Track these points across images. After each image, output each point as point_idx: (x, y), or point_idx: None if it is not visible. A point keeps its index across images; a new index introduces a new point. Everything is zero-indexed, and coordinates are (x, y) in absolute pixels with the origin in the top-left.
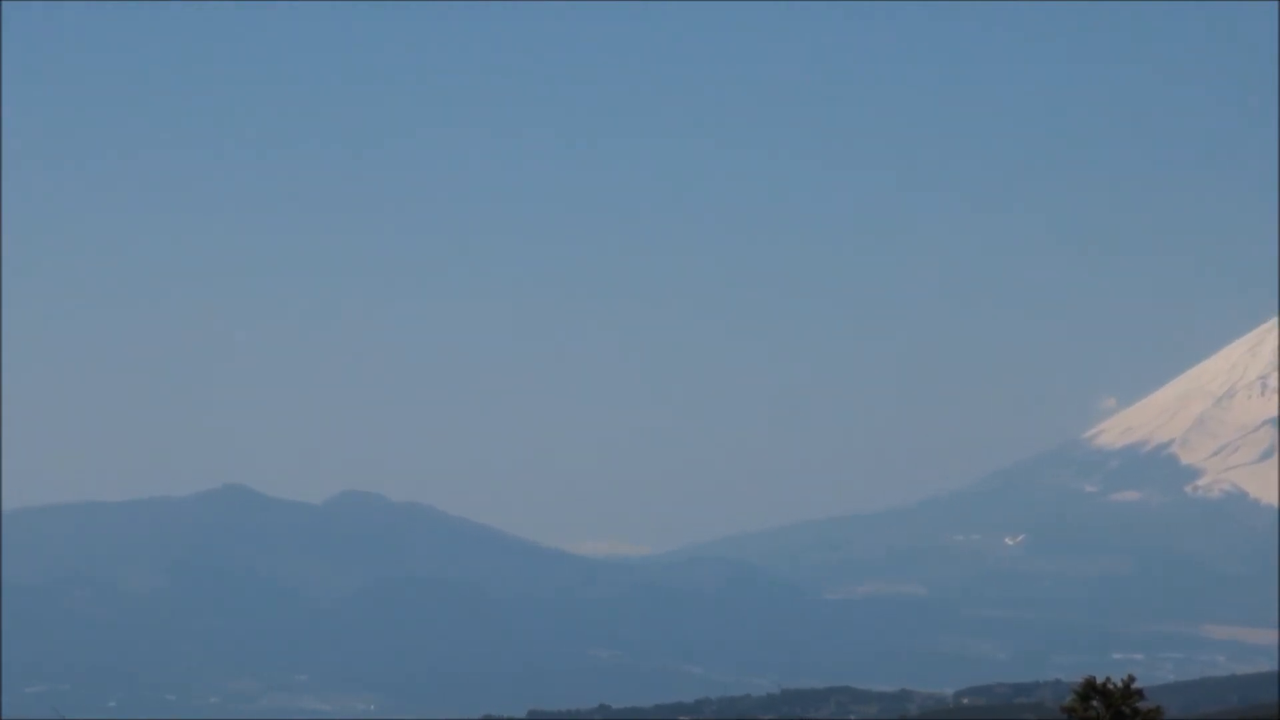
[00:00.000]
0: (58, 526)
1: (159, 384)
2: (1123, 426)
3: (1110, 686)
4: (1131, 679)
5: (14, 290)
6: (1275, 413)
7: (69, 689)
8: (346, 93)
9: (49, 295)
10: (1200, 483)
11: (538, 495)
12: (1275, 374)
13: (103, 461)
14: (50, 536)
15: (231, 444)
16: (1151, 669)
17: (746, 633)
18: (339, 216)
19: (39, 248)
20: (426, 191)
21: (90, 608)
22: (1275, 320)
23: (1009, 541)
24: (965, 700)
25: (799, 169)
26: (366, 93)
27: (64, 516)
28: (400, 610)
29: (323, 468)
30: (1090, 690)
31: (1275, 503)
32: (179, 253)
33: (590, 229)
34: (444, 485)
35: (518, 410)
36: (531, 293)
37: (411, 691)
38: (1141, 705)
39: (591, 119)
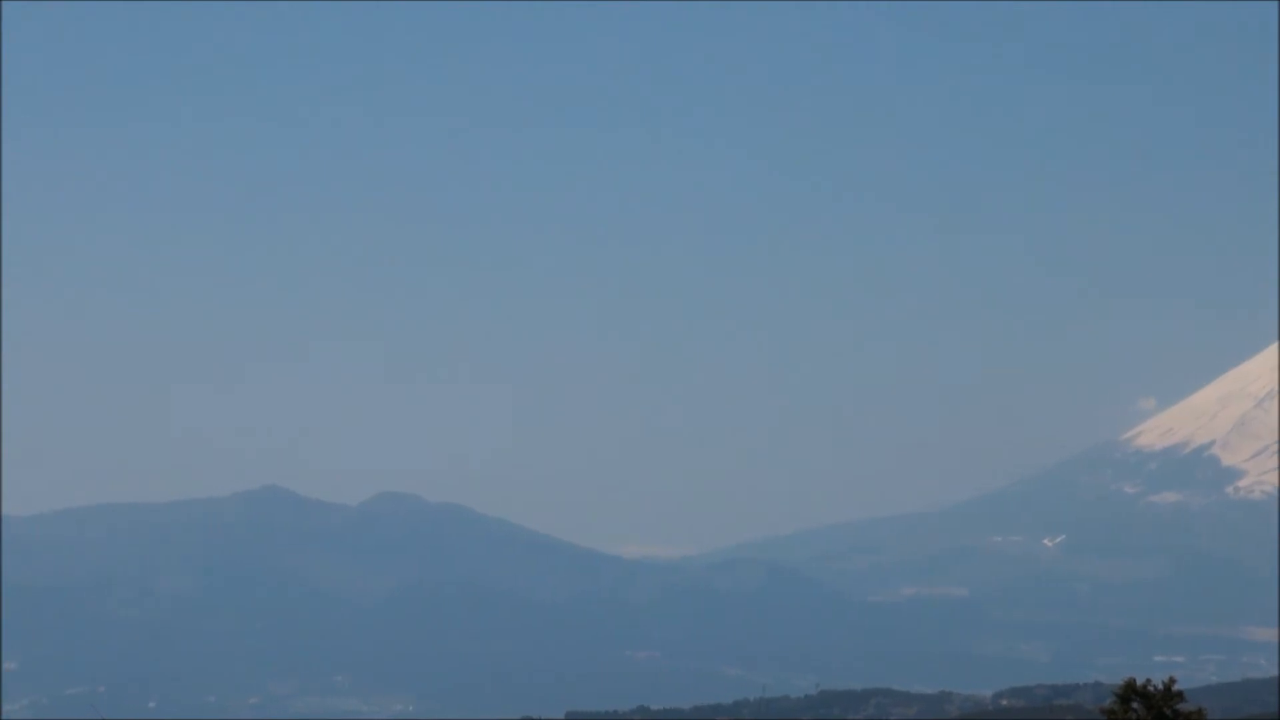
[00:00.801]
0: (97, 528)
1: (197, 385)
2: (1163, 428)
3: (1151, 689)
4: (1173, 681)
5: (46, 292)
6: None
7: (108, 690)
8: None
9: (83, 298)
10: (1241, 484)
11: (575, 497)
12: None
13: (142, 463)
14: (90, 538)
15: (270, 445)
16: (1193, 671)
17: (785, 634)
18: (370, 215)
19: (69, 249)
20: (465, 188)
21: (129, 609)
22: None
23: (1048, 543)
24: (1005, 702)
25: (842, 168)
26: (383, 92)
27: (103, 518)
28: (438, 611)
29: (360, 469)
30: (1131, 692)
31: None
32: (217, 254)
33: (631, 232)
34: (481, 487)
35: (555, 412)
36: (570, 294)
37: (449, 693)
38: (1183, 707)
39: (648, 122)
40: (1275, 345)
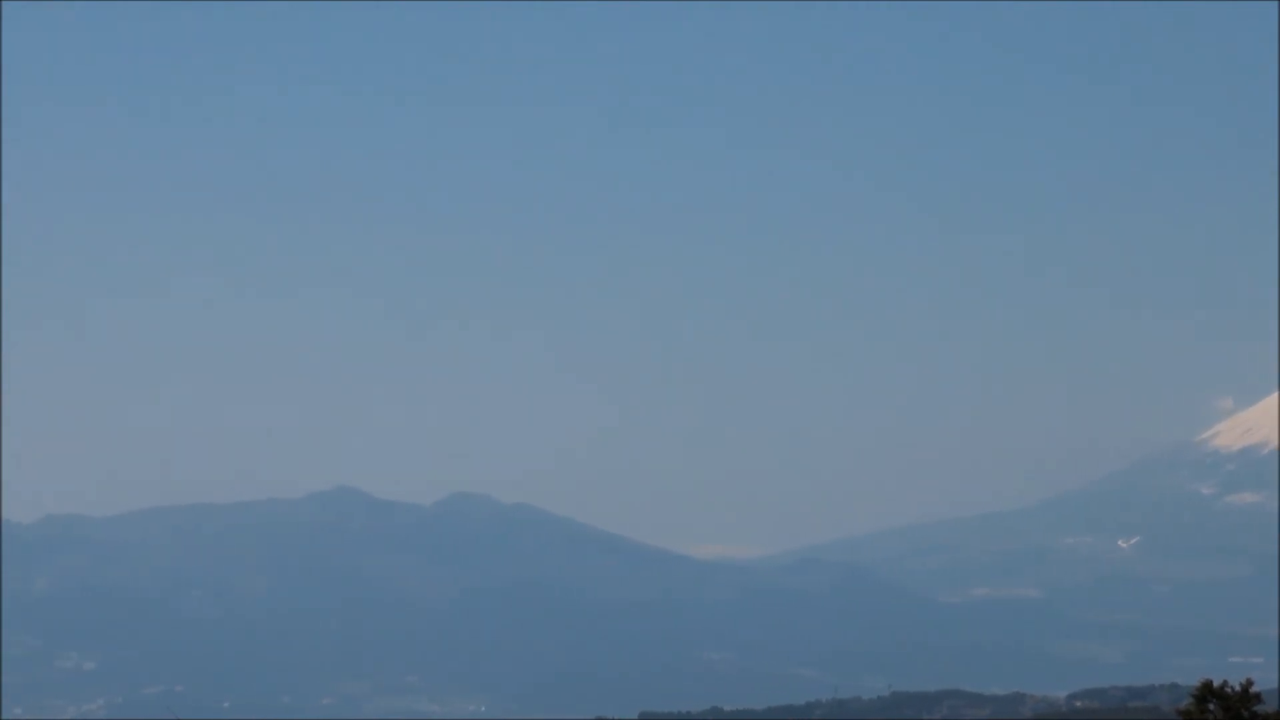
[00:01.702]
0: (172, 529)
1: (272, 387)
2: (1240, 428)
3: (1228, 690)
4: (1250, 682)
5: (120, 296)
6: None
7: (184, 690)
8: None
9: (159, 301)
10: None
11: (649, 498)
12: None
13: (217, 464)
14: (165, 539)
15: (343, 446)
16: (1270, 672)
17: (858, 635)
18: (439, 219)
19: (140, 250)
20: (531, 190)
21: (204, 609)
22: None
23: (1123, 544)
24: (1079, 703)
25: (919, 169)
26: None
27: (178, 519)
28: (510, 612)
29: (433, 470)
30: (1207, 693)
31: None
32: (289, 255)
33: (700, 232)
34: (553, 488)
35: (628, 413)
36: (641, 295)
37: (522, 693)
38: (1260, 709)
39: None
40: None
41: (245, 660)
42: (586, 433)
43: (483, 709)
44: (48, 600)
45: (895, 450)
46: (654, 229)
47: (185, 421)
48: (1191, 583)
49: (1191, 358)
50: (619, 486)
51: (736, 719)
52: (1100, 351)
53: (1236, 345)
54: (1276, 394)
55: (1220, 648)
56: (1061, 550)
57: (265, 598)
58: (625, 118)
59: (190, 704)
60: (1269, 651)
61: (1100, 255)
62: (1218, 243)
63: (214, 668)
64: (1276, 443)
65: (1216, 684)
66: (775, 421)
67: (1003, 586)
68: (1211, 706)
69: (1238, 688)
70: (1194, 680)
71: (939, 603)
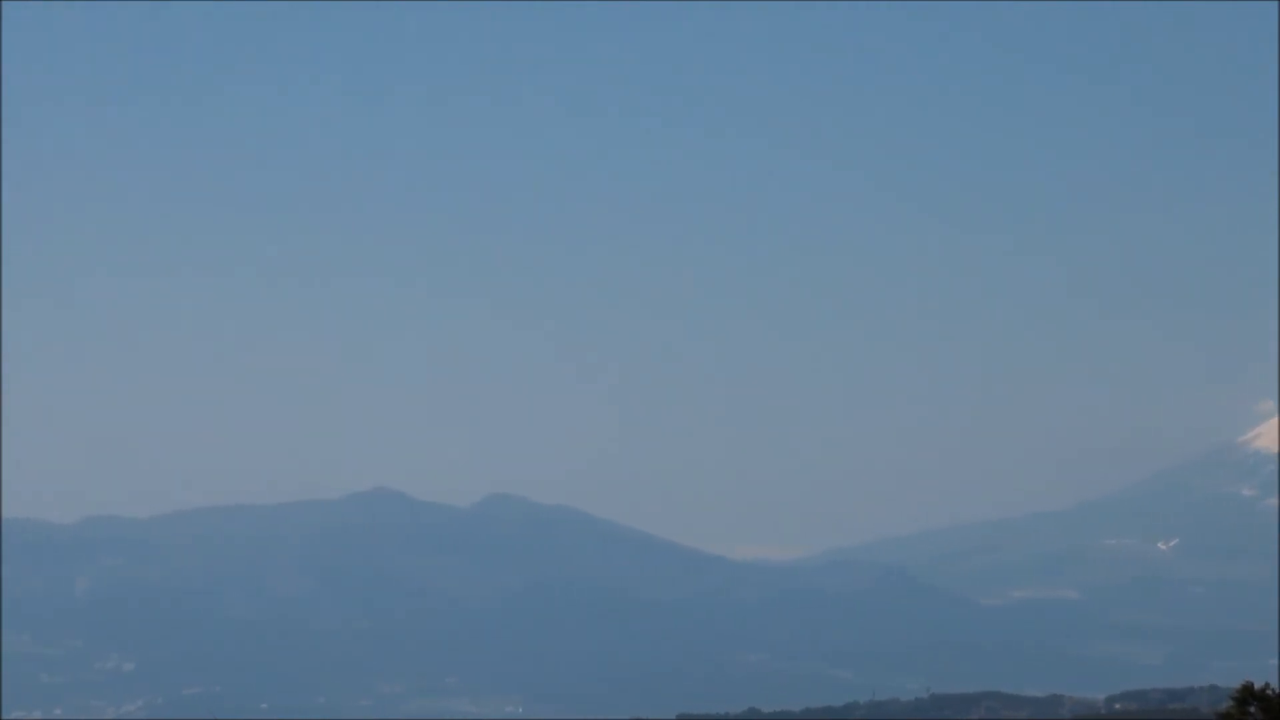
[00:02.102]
0: (211, 530)
1: (310, 387)
2: None
3: (1269, 693)
4: None
5: (156, 298)
6: None
7: (222, 690)
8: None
9: (198, 303)
10: None
11: (686, 499)
12: None
13: (255, 465)
14: (204, 540)
15: (381, 447)
16: None
17: (895, 636)
18: (479, 219)
19: (181, 251)
20: (568, 191)
21: (243, 610)
22: None
23: (1163, 546)
24: (1118, 705)
25: (962, 173)
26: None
27: (217, 520)
28: (549, 613)
29: (471, 471)
30: (1248, 696)
31: None
32: (326, 256)
33: (735, 234)
34: (592, 488)
35: (665, 414)
36: (678, 296)
37: (560, 694)
38: None
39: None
40: None
41: (283, 661)
42: (624, 433)
43: (520, 709)
44: (88, 601)
45: (935, 452)
46: (695, 231)
47: (224, 423)
48: (1231, 584)
49: (1233, 360)
50: (657, 487)
51: None
52: (1142, 353)
53: (1277, 347)
54: None
55: (1260, 650)
56: (1101, 552)
57: (303, 598)
58: (670, 118)
59: (229, 704)
60: None
61: (1143, 256)
62: (1262, 245)
63: (252, 668)
64: None
65: (1257, 686)
66: (813, 422)
67: (1041, 588)
68: (1252, 709)
69: (1278, 690)
70: (1234, 683)
71: (977, 604)
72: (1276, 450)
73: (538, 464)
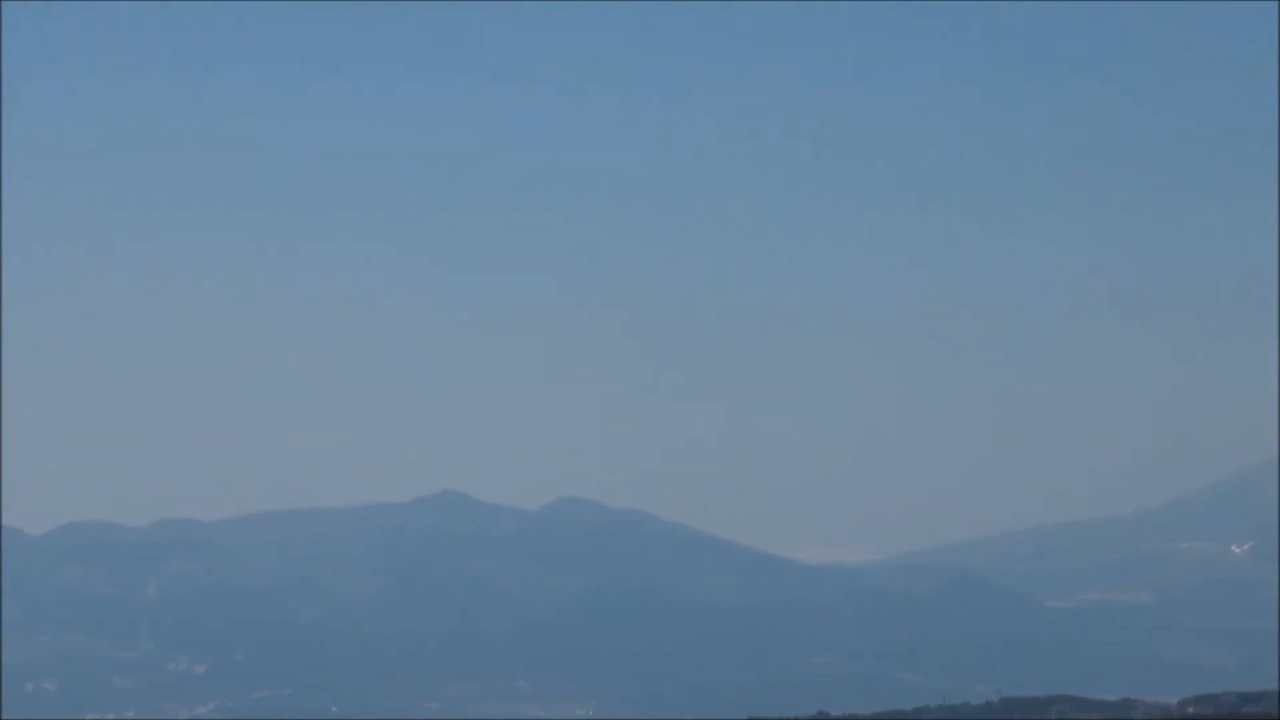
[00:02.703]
0: (281, 533)
1: (380, 390)
2: None
3: None
4: None
5: (235, 303)
6: None
7: (292, 693)
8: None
9: (276, 307)
10: None
11: (756, 502)
12: None
13: (325, 468)
14: (274, 543)
15: (450, 450)
16: None
17: (967, 640)
18: (543, 217)
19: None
20: (635, 191)
21: (312, 613)
22: None
23: (1236, 549)
24: (1190, 709)
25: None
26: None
27: (287, 523)
28: (617, 616)
29: (540, 474)
30: None
31: None
32: (400, 262)
33: (802, 244)
34: (661, 492)
35: (735, 416)
36: (744, 296)
37: (629, 698)
38: None
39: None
40: None
41: (353, 664)
42: (694, 436)
43: (589, 712)
44: (159, 604)
45: (1007, 454)
46: (763, 233)
47: (295, 426)
48: None
49: None
50: (727, 490)
51: None
52: (1218, 354)
53: None
54: None
55: None
56: (1174, 555)
57: (372, 602)
58: (753, 122)
59: (298, 708)
60: None
61: (1216, 255)
62: None
63: (322, 672)
64: None
65: None
66: (885, 425)
67: (1114, 591)
68: None
69: None
70: None
71: (1048, 607)
72: None
73: (607, 467)
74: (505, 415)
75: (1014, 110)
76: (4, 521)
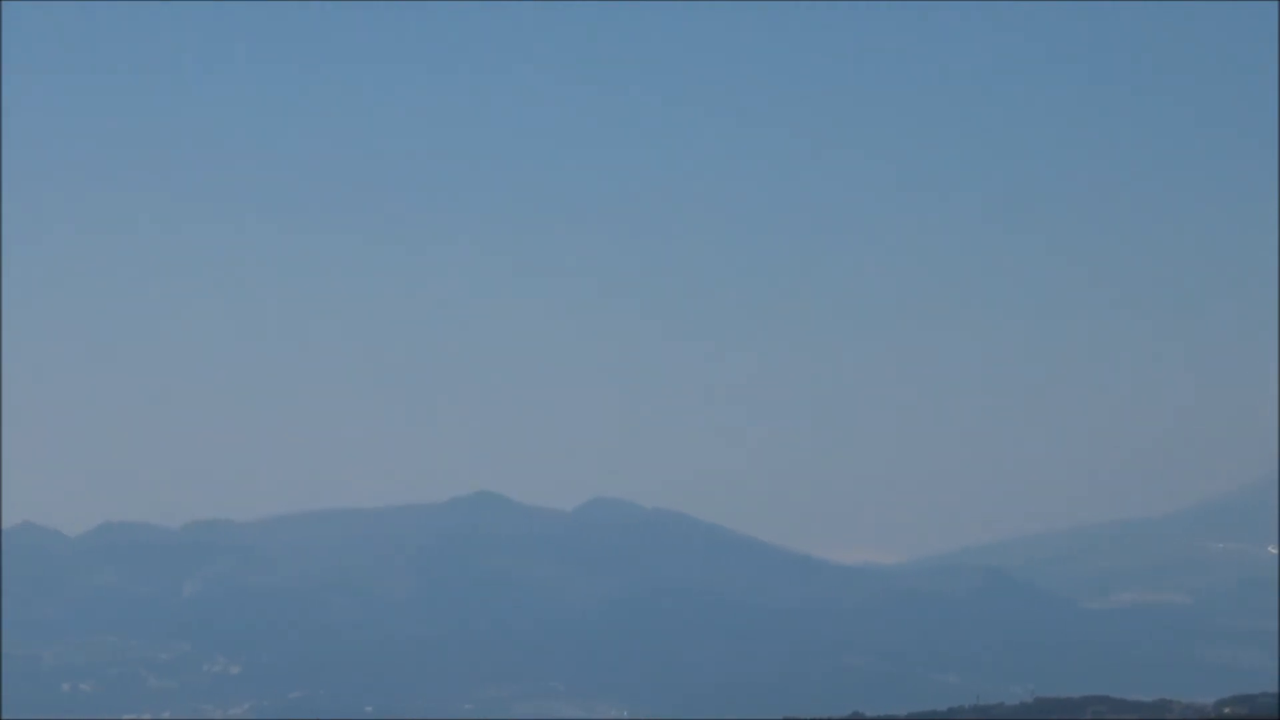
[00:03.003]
0: (315, 534)
1: (414, 390)
2: None
3: None
4: None
5: (270, 302)
6: None
7: (327, 694)
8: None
9: (313, 308)
10: None
11: (791, 502)
12: None
13: (359, 469)
14: (308, 544)
15: (484, 450)
16: None
17: (1002, 640)
18: (583, 222)
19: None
20: (666, 193)
21: (347, 614)
22: None
23: (1272, 550)
24: (1227, 710)
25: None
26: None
27: (321, 523)
28: (653, 618)
29: (574, 474)
30: None
31: None
32: (432, 261)
33: (839, 247)
34: (696, 492)
35: (770, 416)
36: (784, 304)
37: (665, 700)
38: None
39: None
40: None
41: (387, 665)
42: (729, 436)
43: (625, 713)
44: (194, 605)
45: (1042, 454)
46: (801, 235)
47: (329, 427)
48: None
49: None
50: (762, 491)
51: None
52: (1250, 353)
53: None
54: None
55: None
56: (1212, 556)
57: (407, 602)
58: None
59: (333, 708)
60: None
61: (1247, 253)
62: None
63: (356, 672)
64: None
65: None
66: (921, 426)
67: (1150, 592)
68: None
69: None
70: None
71: (1084, 608)
72: None
73: (641, 467)
74: (539, 415)
75: (1044, 110)
76: (41, 523)
